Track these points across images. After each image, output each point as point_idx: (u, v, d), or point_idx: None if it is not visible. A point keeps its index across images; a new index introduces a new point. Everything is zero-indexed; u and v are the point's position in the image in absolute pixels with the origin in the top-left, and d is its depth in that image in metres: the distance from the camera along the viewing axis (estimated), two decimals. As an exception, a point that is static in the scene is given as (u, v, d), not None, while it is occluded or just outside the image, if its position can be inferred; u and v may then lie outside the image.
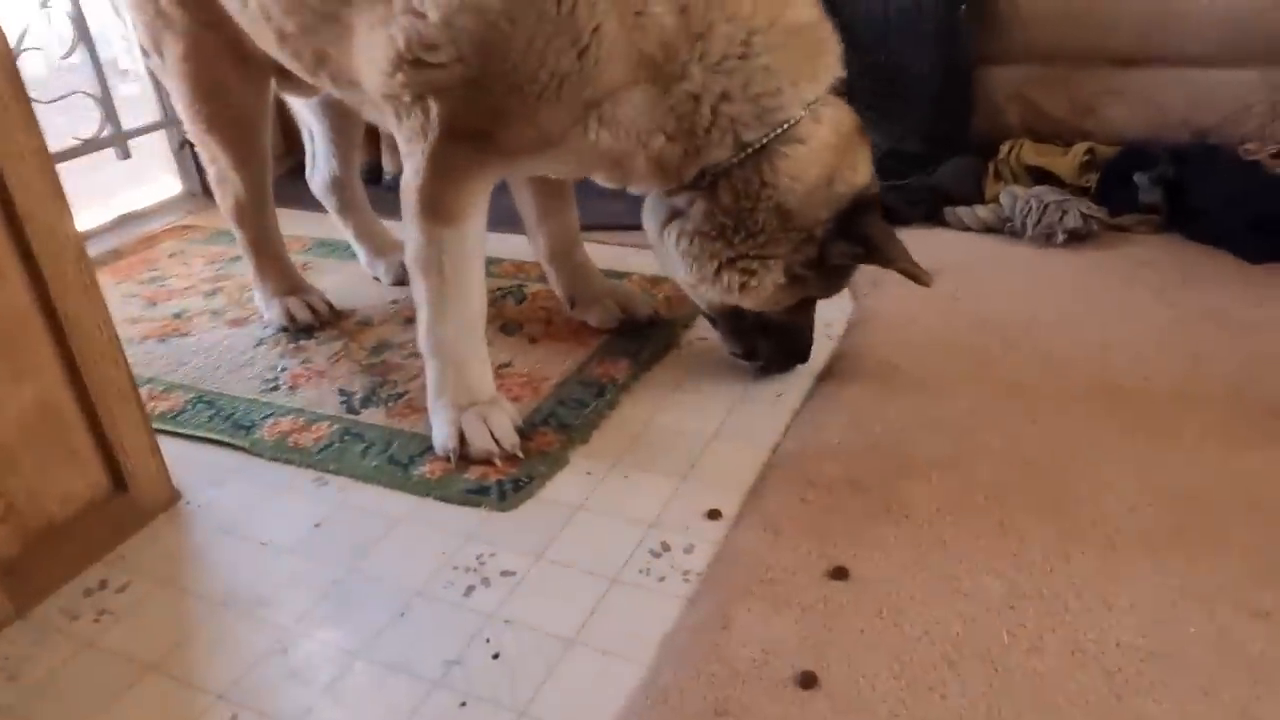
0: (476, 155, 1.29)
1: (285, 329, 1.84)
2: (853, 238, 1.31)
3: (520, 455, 1.39)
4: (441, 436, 1.41)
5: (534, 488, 1.35)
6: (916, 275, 1.33)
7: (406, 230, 1.36)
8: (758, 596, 1.10)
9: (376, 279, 2.05)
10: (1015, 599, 1.06)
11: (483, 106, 1.23)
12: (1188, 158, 1.91)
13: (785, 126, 1.26)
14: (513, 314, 1.86)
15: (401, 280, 1.99)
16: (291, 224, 2.35)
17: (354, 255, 2.14)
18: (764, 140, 1.27)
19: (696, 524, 1.25)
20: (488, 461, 1.38)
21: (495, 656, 1.08)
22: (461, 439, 1.39)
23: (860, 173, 1.33)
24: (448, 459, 1.39)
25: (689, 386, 1.57)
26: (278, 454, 1.47)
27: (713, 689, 0.98)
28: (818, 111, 1.28)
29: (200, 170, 2.66)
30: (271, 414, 1.57)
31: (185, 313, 1.97)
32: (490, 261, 2.08)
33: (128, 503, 1.33)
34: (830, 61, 1.30)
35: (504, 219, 2.27)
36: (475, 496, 1.34)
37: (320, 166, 2.00)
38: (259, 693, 1.06)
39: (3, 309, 1.15)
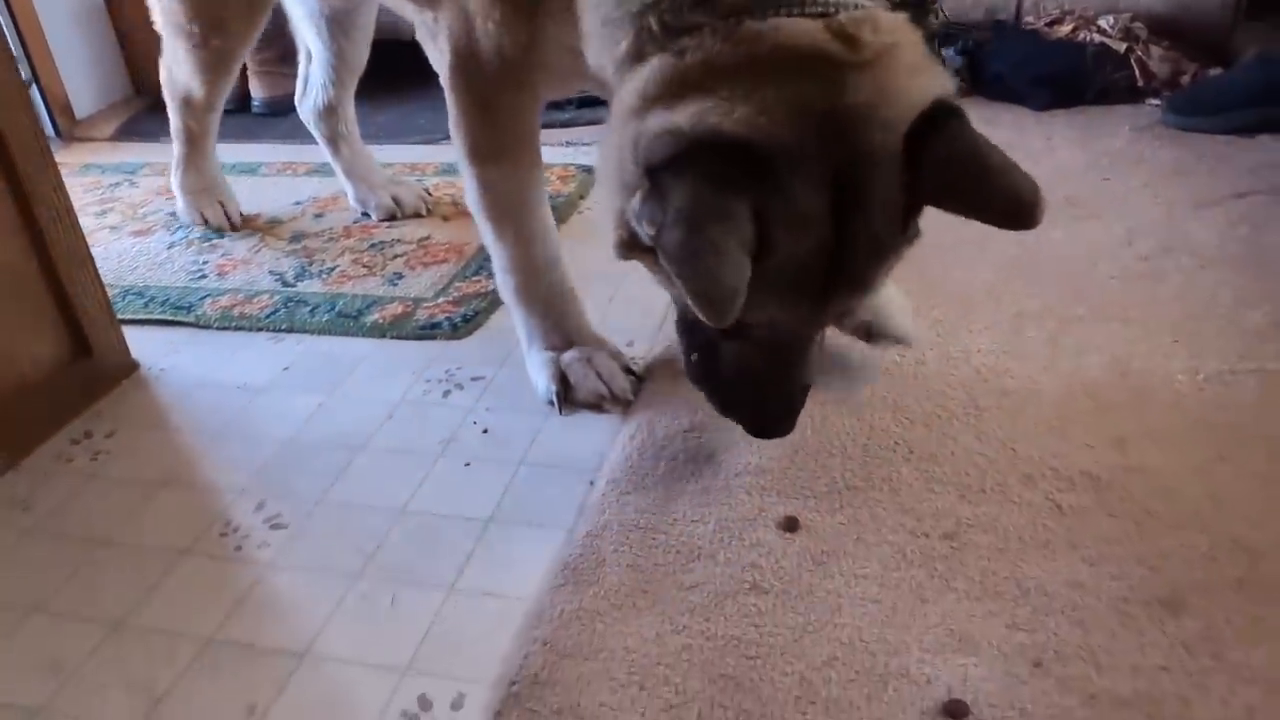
0: (493, 78, 1.10)
1: (196, 225, 1.87)
2: (659, 197, 0.81)
3: (631, 399, 1.24)
4: (542, 383, 1.26)
5: (480, 320, 1.51)
6: (697, 298, 0.77)
7: (461, 172, 1.25)
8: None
9: (366, 215, 1.91)
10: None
11: (463, 11, 1.08)
12: (983, 32, 2.27)
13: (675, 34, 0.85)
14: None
15: (392, 217, 1.88)
16: (165, 155, 2.37)
17: (246, 171, 2.19)
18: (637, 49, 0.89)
19: (634, 328, 1.46)
20: (597, 406, 1.25)
21: (485, 431, 1.25)
22: (565, 382, 1.25)
23: (735, 111, 0.79)
24: (551, 404, 1.25)
25: (596, 242, 1.75)
26: (225, 324, 1.56)
27: (679, 418, 1.20)
28: (747, 24, 0.81)
29: (53, 113, 2.60)
30: (207, 295, 1.65)
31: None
32: (382, 165, 2.21)
33: (92, 368, 1.39)
34: None
35: (382, 132, 2.39)
36: (429, 331, 1.49)
37: (313, 92, 1.86)
38: (278, 482, 1.18)
39: (-33, 169, 1.21)
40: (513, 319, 1.32)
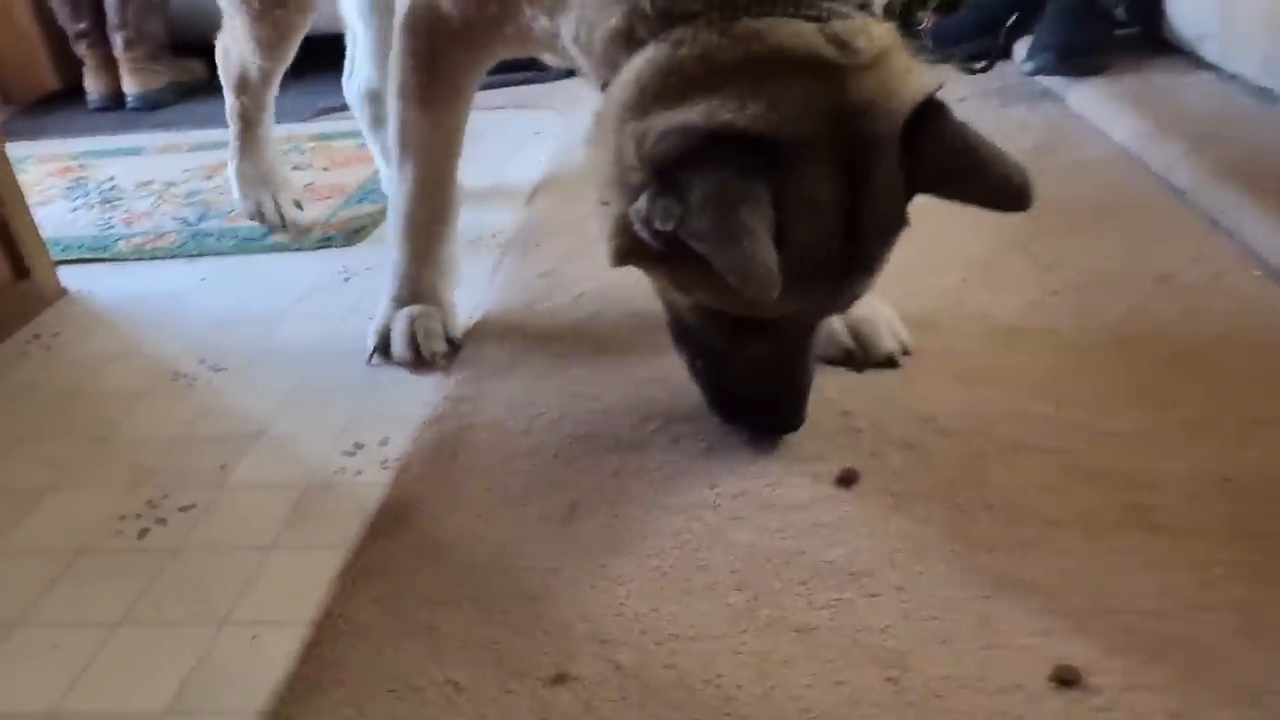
0: (445, 37, 1.18)
1: (251, 219, 1.83)
2: (674, 193, 0.82)
3: (440, 364, 1.30)
4: (370, 338, 1.34)
5: (366, 232, 1.81)
6: (742, 279, 0.79)
7: (387, 106, 1.32)
8: (549, 244, 1.67)
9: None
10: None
11: None
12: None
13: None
14: (299, 161, 2.25)
15: None
16: (55, 148, 2.54)
17: (130, 152, 2.41)
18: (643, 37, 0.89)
19: (500, 217, 1.79)
20: (403, 364, 1.31)
21: (382, 298, 1.56)
22: (386, 339, 1.33)
23: (747, 108, 0.81)
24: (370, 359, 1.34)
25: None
26: (141, 256, 1.81)
27: (538, 266, 1.54)
28: (744, 20, 0.84)
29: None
30: (120, 238, 1.88)
31: (-19, 207, 2.15)
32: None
33: (30, 288, 1.61)
34: None
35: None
36: (325, 243, 1.78)
37: (358, 74, 1.87)
38: (215, 345, 1.45)
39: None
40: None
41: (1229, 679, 0.75)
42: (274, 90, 1.79)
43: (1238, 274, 1.32)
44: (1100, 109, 1.92)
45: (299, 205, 1.88)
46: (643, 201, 0.84)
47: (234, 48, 1.72)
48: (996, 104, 2.06)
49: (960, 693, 0.75)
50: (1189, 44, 2.05)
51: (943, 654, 0.78)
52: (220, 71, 1.77)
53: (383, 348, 1.34)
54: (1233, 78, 1.89)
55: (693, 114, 0.82)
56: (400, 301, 1.35)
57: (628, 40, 0.88)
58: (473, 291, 1.52)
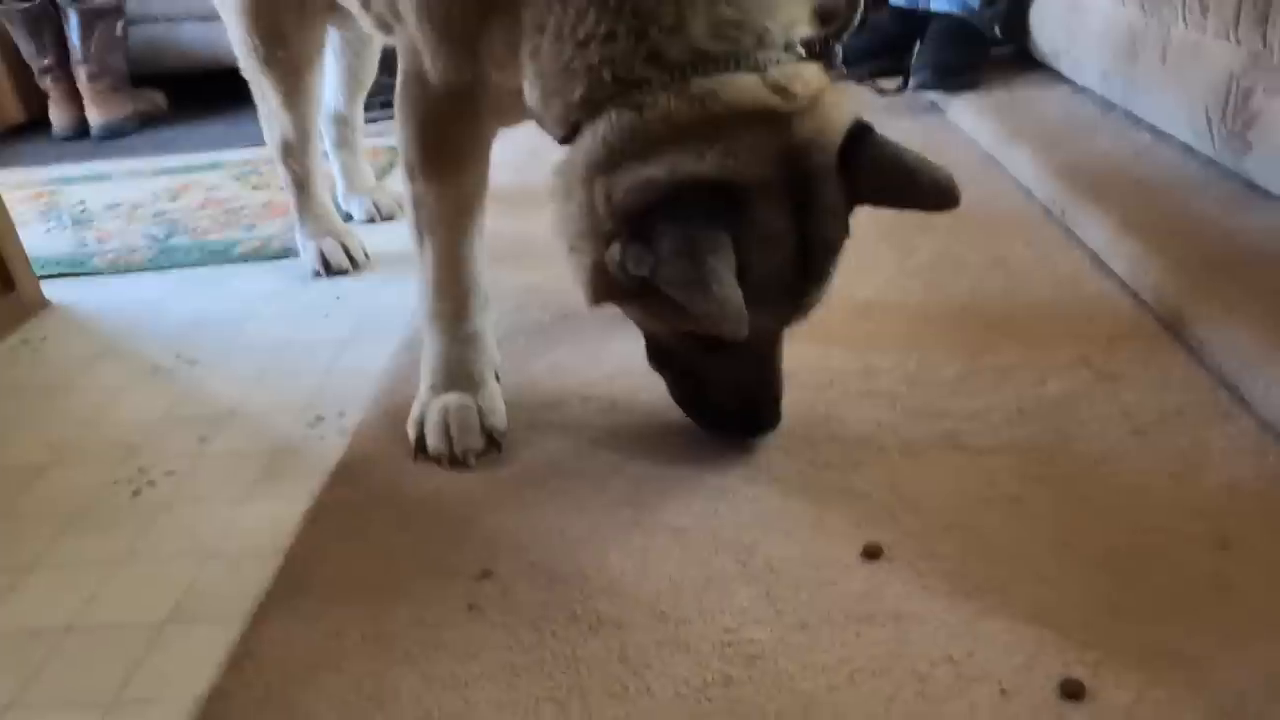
0: (436, 103, 1.16)
1: (317, 273, 1.86)
2: (644, 241, 0.93)
3: (470, 464, 1.20)
4: (411, 429, 1.25)
5: (323, 243, 2.01)
6: (716, 321, 0.89)
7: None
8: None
9: (349, 215, 2.12)
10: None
11: (413, 44, 1.14)
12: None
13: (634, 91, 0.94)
14: (256, 182, 2.45)
15: (373, 219, 2.12)
16: (24, 176, 2.71)
17: (98, 178, 2.59)
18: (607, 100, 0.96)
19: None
20: (438, 460, 1.21)
21: (338, 298, 1.76)
22: (423, 430, 1.23)
23: (705, 157, 0.91)
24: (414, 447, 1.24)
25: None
26: (116, 269, 1.99)
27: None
28: (695, 80, 0.92)
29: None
30: (94, 254, 2.06)
31: (-41, 231, 2.31)
32: (217, 164, 2.65)
33: (15, 299, 1.79)
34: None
35: (215, 140, 2.81)
36: (285, 253, 1.98)
37: (328, 99, 2.01)
38: (191, 340, 1.65)
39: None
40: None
41: (993, 548, 0.98)
42: (314, 149, 1.86)
43: (1060, 256, 1.58)
44: (972, 119, 2.18)
45: (366, 254, 1.91)
46: (615, 250, 0.95)
47: (270, 113, 1.79)
48: (885, 117, 2.31)
49: (790, 566, 0.98)
50: (1049, 60, 2.33)
51: (781, 541, 1.01)
52: (270, 147, 1.86)
53: (421, 443, 1.23)
54: (1081, 89, 2.17)
55: (655, 169, 0.91)
56: (436, 389, 1.27)
57: (587, 106, 0.97)
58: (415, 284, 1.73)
